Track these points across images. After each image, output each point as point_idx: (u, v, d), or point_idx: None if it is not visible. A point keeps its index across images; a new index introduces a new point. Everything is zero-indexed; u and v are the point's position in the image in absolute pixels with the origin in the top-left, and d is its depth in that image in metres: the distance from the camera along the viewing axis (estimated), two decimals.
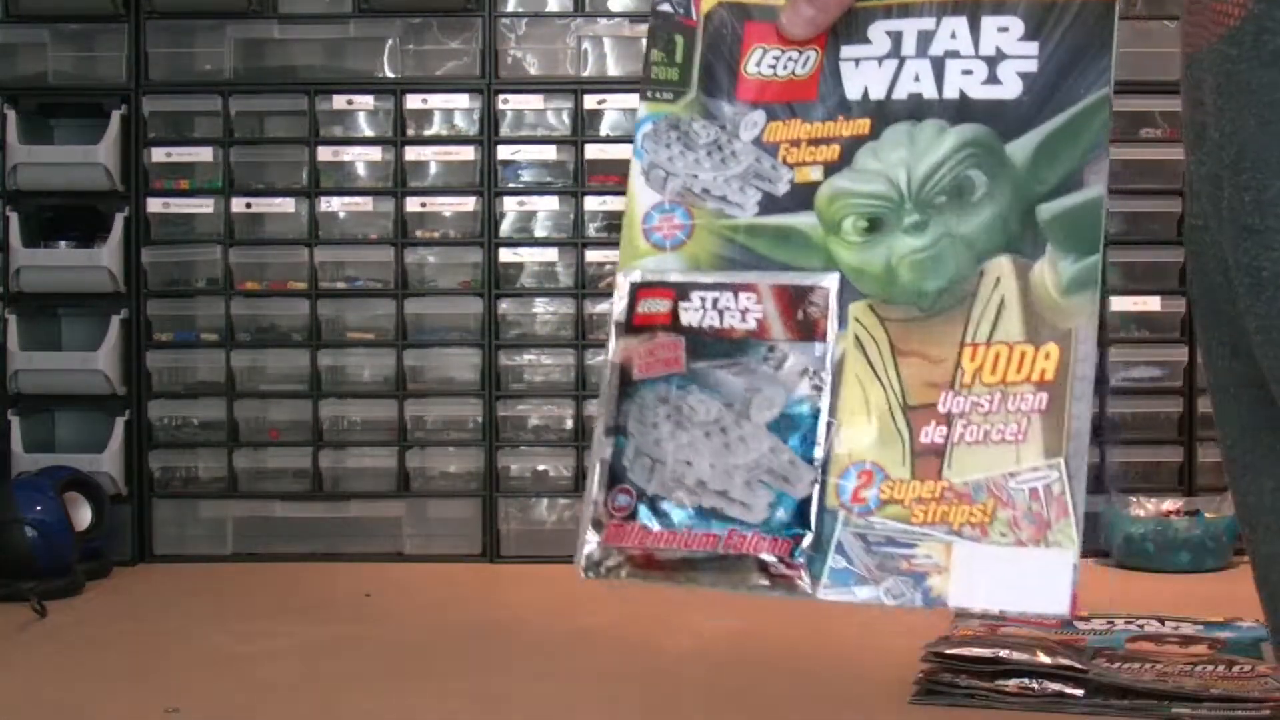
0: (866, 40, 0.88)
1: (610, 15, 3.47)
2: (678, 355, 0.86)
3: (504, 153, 3.42)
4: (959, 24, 0.87)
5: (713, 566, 0.83)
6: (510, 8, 3.47)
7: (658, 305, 0.87)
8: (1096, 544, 3.19)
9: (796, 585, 0.82)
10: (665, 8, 0.91)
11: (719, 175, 0.88)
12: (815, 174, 0.87)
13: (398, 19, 3.44)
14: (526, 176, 3.47)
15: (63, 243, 3.41)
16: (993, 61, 0.86)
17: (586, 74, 3.44)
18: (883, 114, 0.87)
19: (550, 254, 3.45)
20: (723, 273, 0.86)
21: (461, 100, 3.45)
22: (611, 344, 0.88)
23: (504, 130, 3.45)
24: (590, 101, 3.42)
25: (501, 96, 3.42)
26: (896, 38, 0.87)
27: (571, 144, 3.42)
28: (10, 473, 3.29)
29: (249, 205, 3.43)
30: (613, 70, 3.47)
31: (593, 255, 3.42)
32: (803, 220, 0.86)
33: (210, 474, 3.47)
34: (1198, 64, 0.89)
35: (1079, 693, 2.09)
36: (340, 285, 3.47)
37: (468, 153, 3.43)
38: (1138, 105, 3.34)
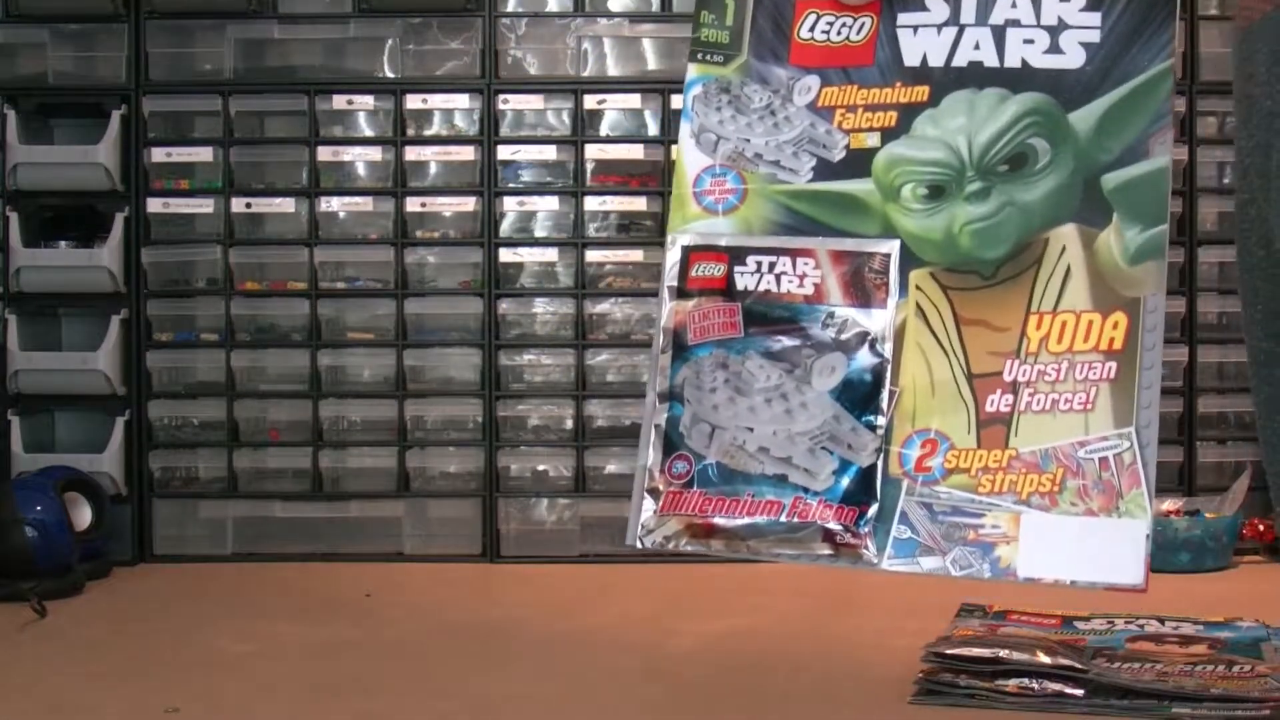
0: (924, 7, 0.87)
1: (610, 15, 3.47)
2: (734, 320, 0.86)
3: (504, 153, 3.43)
4: None
5: (775, 534, 0.83)
6: (510, 8, 3.47)
7: (712, 269, 0.86)
8: None
9: (861, 555, 0.82)
10: None
11: (772, 140, 0.88)
12: (871, 140, 0.86)
13: (398, 19, 3.44)
14: (526, 176, 3.47)
15: (63, 243, 3.41)
16: (1054, 31, 0.86)
17: (586, 74, 3.44)
18: (942, 81, 0.86)
19: (550, 254, 3.45)
20: (778, 237, 0.86)
21: (461, 100, 3.45)
22: (664, 307, 0.87)
23: (504, 130, 3.45)
24: (590, 101, 3.42)
25: (501, 96, 3.42)
26: (955, 5, 0.87)
27: (571, 144, 3.42)
28: (10, 473, 3.29)
29: (249, 205, 3.44)
30: (613, 70, 3.47)
31: (593, 255, 3.42)
32: (860, 186, 0.86)
33: (210, 474, 3.47)
34: (1251, 36, 0.88)
35: (1079, 693, 2.09)
36: (340, 285, 3.47)
37: (468, 153, 3.43)
38: None
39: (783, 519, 0.85)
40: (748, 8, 0.90)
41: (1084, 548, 0.82)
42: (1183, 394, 3.36)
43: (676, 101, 3.39)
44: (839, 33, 0.89)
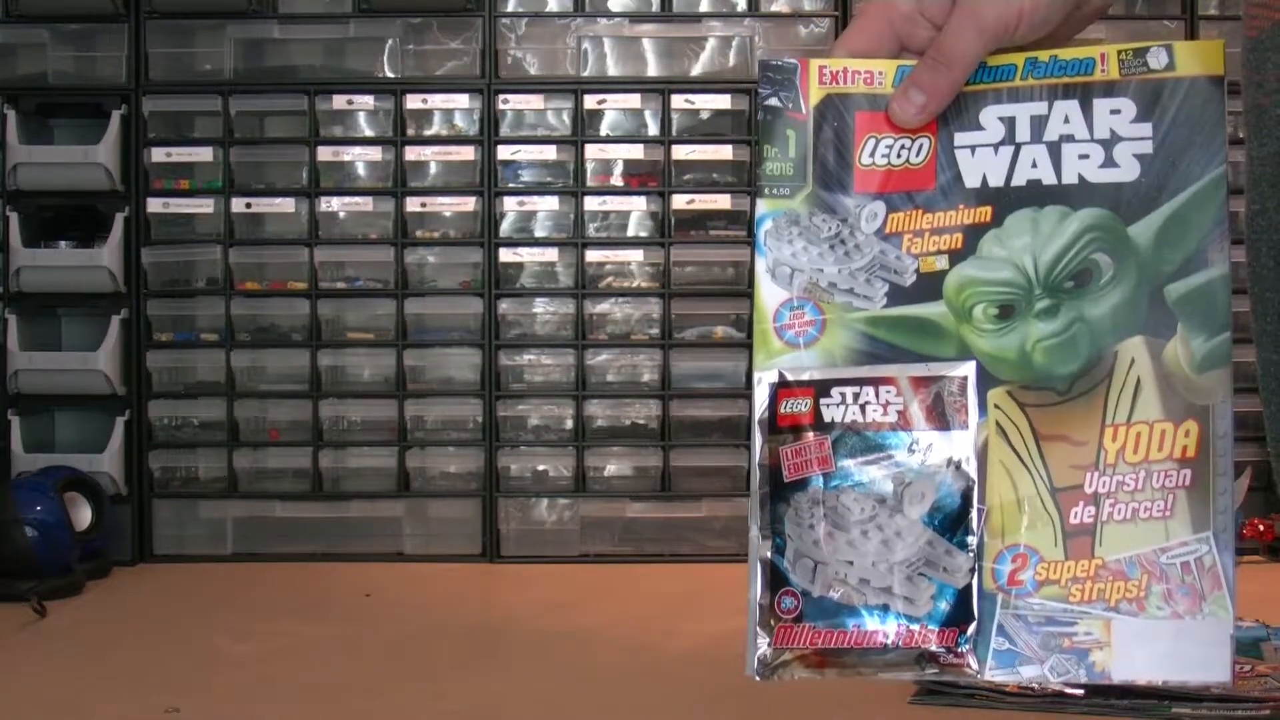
0: (979, 126, 0.88)
1: (610, 15, 3.47)
2: (826, 454, 0.88)
3: (504, 153, 3.43)
4: (1071, 108, 0.87)
5: (883, 659, 0.86)
6: (510, 8, 3.47)
7: (800, 405, 0.88)
8: None
9: (965, 671, 0.85)
10: (774, 102, 0.91)
11: (844, 268, 0.89)
12: (940, 263, 0.88)
13: (398, 19, 3.44)
14: (526, 176, 3.47)
15: (63, 243, 3.41)
16: (1108, 144, 0.87)
17: (586, 74, 3.44)
18: (1003, 201, 0.88)
19: (550, 254, 3.45)
20: (860, 366, 0.88)
21: (461, 100, 3.45)
22: (757, 445, 0.89)
23: (504, 130, 3.45)
24: (590, 101, 3.42)
25: (501, 96, 3.42)
26: (1010, 123, 0.88)
27: (571, 144, 3.42)
28: (10, 473, 3.29)
29: (249, 205, 3.44)
30: (613, 70, 3.47)
31: (593, 255, 3.42)
32: (933, 310, 0.88)
33: (210, 474, 3.47)
34: (1261, 44, 0.88)
35: (1079, 692, 2.09)
36: (340, 285, 3.47)
37: (468, 153, 3.43)
38: None
39: (888, 645, 0.88)
40: (809, 137, 0.91)
41: (1173, 649, 0.85)
42: None
43: (676, 101, 3.40)
44: (899, 155, 0.90)
